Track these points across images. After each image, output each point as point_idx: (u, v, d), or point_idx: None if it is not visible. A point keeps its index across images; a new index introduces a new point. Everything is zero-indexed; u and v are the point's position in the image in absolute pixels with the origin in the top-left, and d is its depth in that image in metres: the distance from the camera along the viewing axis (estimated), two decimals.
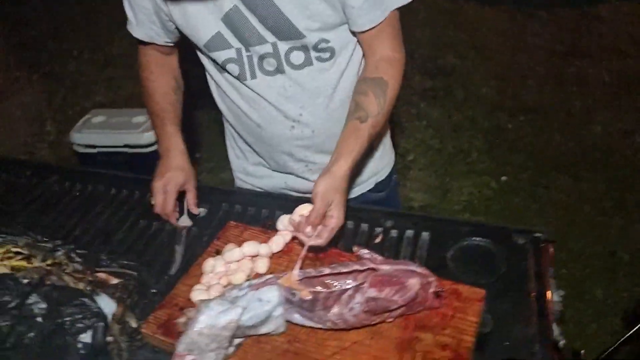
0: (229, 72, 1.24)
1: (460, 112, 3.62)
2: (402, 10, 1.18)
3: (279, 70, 1.22)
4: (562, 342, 0.98)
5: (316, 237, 1.06)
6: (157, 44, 1.32)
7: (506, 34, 4.70)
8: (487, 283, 1.06)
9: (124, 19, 1.30)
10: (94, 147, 2.69)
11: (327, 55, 1.22)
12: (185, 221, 1.29)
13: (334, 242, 1.18)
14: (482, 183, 3.02)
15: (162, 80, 1.36)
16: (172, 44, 1.34)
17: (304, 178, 1.39)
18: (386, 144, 1.45)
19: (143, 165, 2.70)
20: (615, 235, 2.68)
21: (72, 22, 4.95)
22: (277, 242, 1.11)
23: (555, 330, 1.03)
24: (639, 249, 2.58)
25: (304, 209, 1.09)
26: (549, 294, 1.07)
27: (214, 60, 1.25)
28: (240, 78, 1.24)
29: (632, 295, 2.36)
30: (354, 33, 1.20)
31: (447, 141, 3.35)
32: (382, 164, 1.45)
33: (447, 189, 2.98)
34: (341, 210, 1.08)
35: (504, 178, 3.05)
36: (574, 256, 2.58)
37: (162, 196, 1.26)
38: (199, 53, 1.29)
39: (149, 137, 2.64)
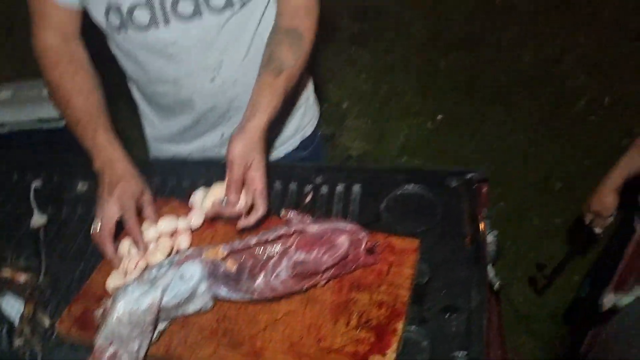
0: (135, 23, 1.10)
1: (391, 53, 3.55)
2: None
3: (197, 12, 1.09)
4: (497, 284, 0.97)
5: (253, 214, 0.98)
6: (58, 8, 1.11)
7: None
8: (423, 231, 1.03)
9: None
10: (2, 125, 2.47)
11: None
12: (38, 220, 1.11)
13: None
14: (418, 124, 3.00)
15: (78, 77, 1.11)
16: (75, 10, 1.13)
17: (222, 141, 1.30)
18: (310, 98, 1.38)
19: (61, 140, 2.52)
20: (549, 162, 2.75)
21: None
22: (197, 217, 1.03)
23: (490, 272, 1.01)
24: (570, 175, 2.66)
25: (217, 189, 1.00)
26: (483, 235, 1.05)
27: (117, 12, 1.10)
28: (151, 26, 1.10)
29: (565, 220, 2.43)
30: None
31: (381, 84, 3.29)
32: (306, 120, 1.38)
33: (384, 134, 2.95)
34: (262, 171, 0.99)
35: (439, 117, 3.04)
36: (511, 187, 2.63)
37: (117, 214, 0.99)
38: (95, 16, 1.13)
39: None
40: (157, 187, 1.21)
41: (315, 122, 1.42)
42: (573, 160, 2.76)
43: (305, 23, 1.10)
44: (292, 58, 1.07)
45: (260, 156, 1.00)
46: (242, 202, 0.98)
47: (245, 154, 0.97)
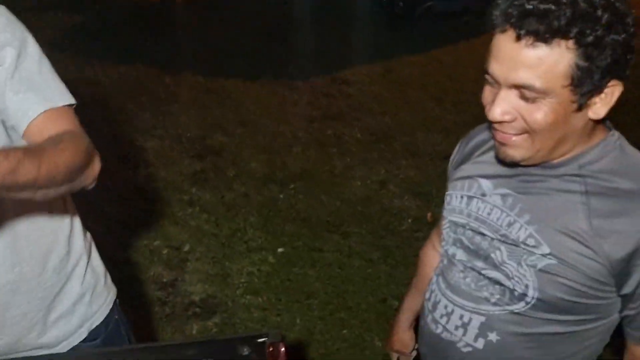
0: None
1: (232, 190, 3.65)
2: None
3: None
4: None
5: None
6: None
7: (269, 106, 4.98)
8: None
9: None
10: None
11: None
12: None
13: None
14: (260, 260, 3.04)
15: None
16: None
17: None
18: (98, 285, 1.31)
19: None
20: (384, 283, 2.90)
21: None
22: None
23: None
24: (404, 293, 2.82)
25: None
26: None
27: None
28: None
29: None
30: None
31: (223, 223, 3.33)
32: (94, 308, 1.30)
33: (227, 274, 2.94)
34: None
35: (280, 250, 3.12)
36: (352, 313, 2.72)
37: None
38: None
39: None
40: None
41: (108, 309, 1.33)
42: (406, 277, 2.95)
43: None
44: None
45: None
46: None
47: None
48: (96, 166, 1.05)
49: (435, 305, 1.20)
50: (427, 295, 1.26)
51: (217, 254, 3.08)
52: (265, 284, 2.87)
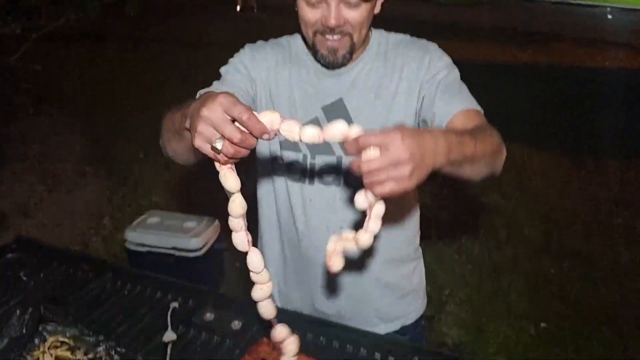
0: (288, 174, 1.32)
1: (501, 251, 3.62)
2: None
3: (335, 182, 1.30)
4: None
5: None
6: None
7: (552, 178, 4.80)
8: None
9: None
10: (144, 245, 2.83)
11: None
12: (170, 336, 1.27)
13: None
14: (520, 327, 2.94)
15: None
16: None
17: (330, 299, 1.41)
18: (419, 290, 1.49)
19: (187, 268, 2.82)
20: None
21: (145, 126, 5.40)
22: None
23: None
24: None
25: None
26: None
27: (277, 159, 1.32)
28: (299, 181, 1.31)
29: None
30: None
31: (487, 280, 3.32)
32: (410, 308, 1.47)
33: (483, 328, 2.91)
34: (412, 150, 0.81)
35: (543, 325, 2.96)
36: None
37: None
38: (259, 150, 1.34)
39: (196, 242, 2.77)
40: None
41: (419, 314, 1.49)
42: None
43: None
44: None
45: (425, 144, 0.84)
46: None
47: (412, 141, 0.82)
48: (504, 155, 1.16)
49: None
50: None
51: (476, 306, 3.09)
52: (522, 354, 2.76)
